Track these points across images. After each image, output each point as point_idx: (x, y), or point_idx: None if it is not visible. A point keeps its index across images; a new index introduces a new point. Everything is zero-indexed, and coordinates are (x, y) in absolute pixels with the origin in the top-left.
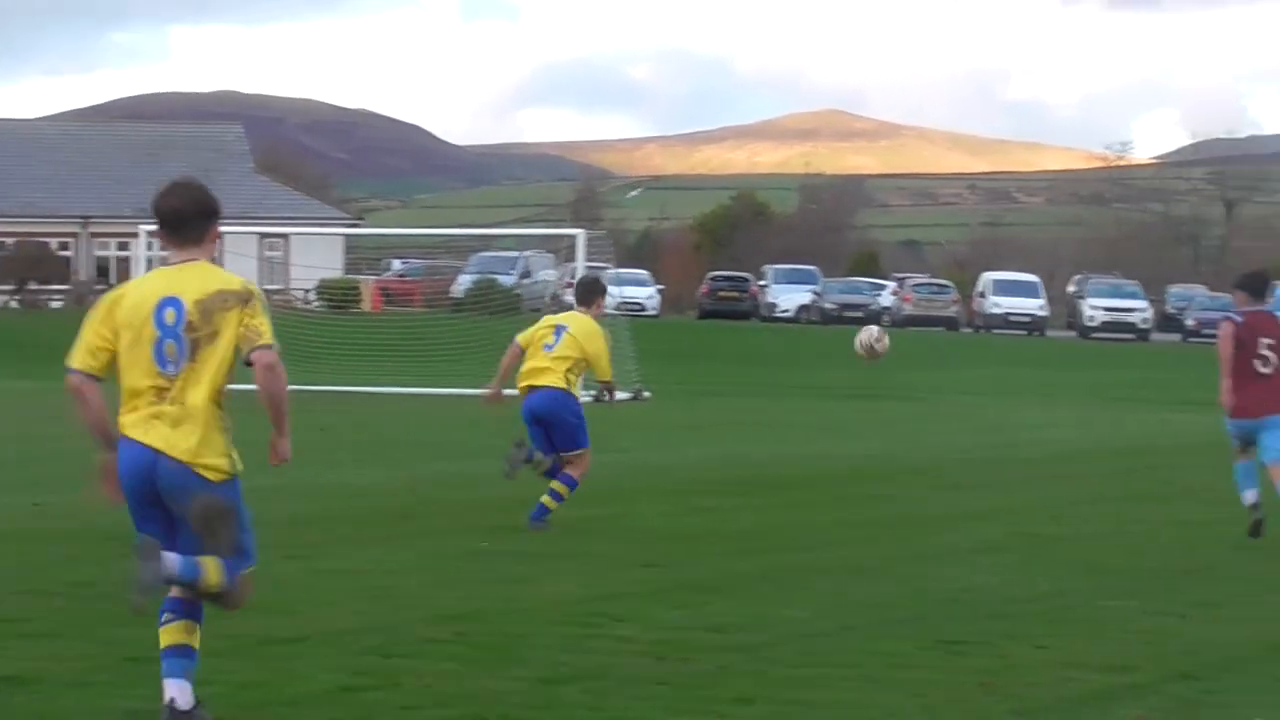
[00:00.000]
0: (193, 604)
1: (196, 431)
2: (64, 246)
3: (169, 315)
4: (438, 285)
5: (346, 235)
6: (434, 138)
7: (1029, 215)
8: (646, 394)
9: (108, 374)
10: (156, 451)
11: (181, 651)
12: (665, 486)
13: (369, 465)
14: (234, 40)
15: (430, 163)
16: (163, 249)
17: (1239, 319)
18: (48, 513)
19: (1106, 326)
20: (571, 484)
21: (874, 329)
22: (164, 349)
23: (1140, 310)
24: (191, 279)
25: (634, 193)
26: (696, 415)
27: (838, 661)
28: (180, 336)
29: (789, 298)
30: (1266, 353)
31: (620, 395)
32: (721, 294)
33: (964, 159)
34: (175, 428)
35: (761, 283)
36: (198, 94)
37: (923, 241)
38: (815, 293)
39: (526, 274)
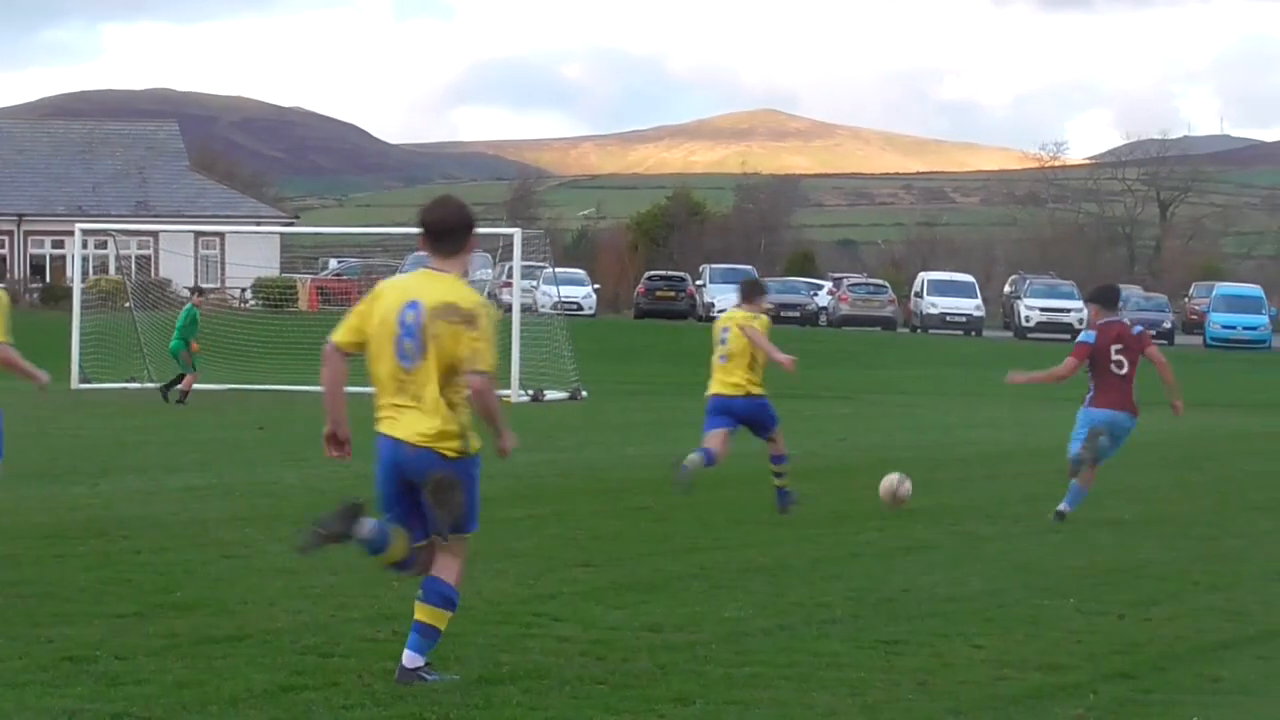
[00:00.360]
0: (445, 593)
1: (429, 419)
2: None
3: (409, 316)
4: (375, 284)
5: (282, 234)
6: (369, 136)
7: (964, 215)
8: (583, 393)
9: (358, 352)
10: (398, 441)
11: (424, 630)
12: (602, 486)
13: (307, 464)
14: (167, 38)
15: (365, 161)
16: (419, 250)
17: (1091, 340)
18: None
19: (1042, 326)
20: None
21: (894, 476)
22: (403, 346)
23: (1076, 310)
24: (435, 286)
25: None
26: (633, 415)
27: (775, 661)
28: (416, 336)
29: (726, 297)
30: (1119, 357)
31: (556, 394)
32: (658, 294)
33: (899, 159)
34: (413, 417)
35: (699, 282)
36: (131, 91)
37: (859, 241)
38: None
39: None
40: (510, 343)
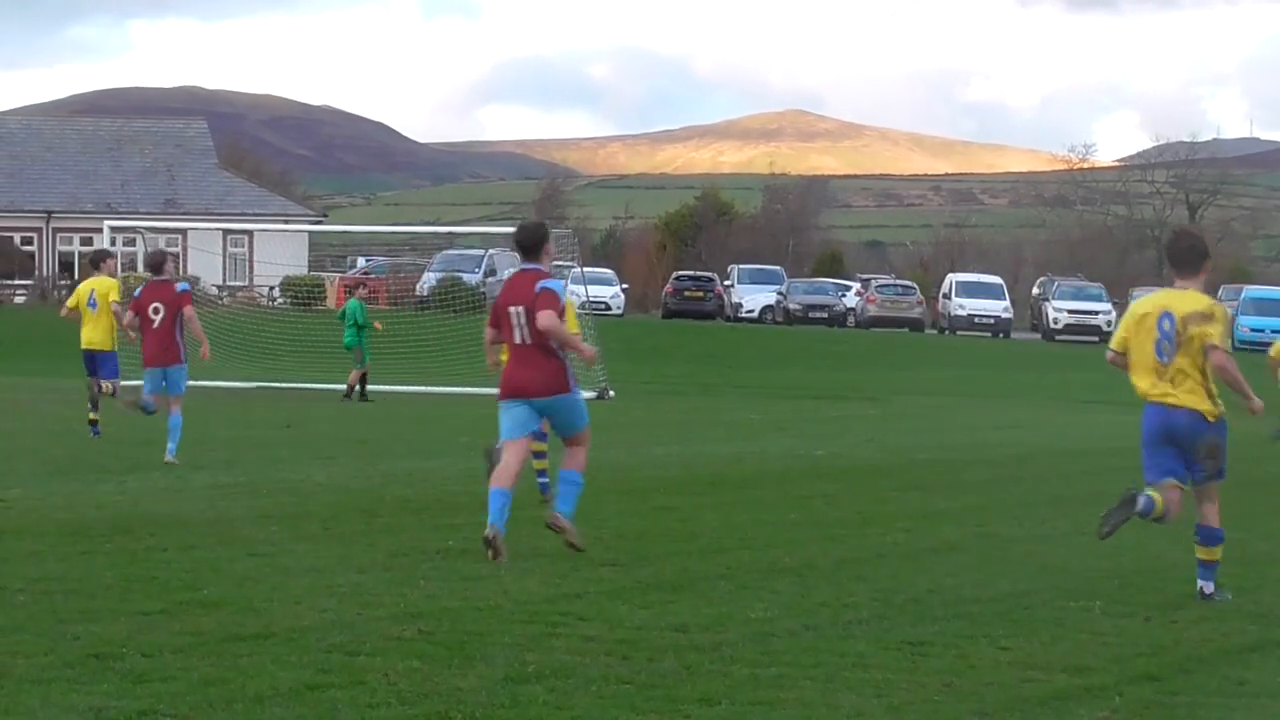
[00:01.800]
0: (1216, 533)
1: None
2: (27, 241)
3: (1165, 324)
4: (403, 283)
5: (310, 232)
6: (397, 135)
7: (992, 217)
8: (611, 393)
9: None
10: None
11: (1209, 566)
12: (628, 486)
13: (334, 462)
14: (195, 35)
15: (393, 160)
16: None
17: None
18: (13, 507)
19: (1070, 329)
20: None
21: None
22: (1160, 347)
23: (1104, 312)
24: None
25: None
26: (660, 415)
27: (801, 662)
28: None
29: (754, 298)
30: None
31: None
32: (687, 294)
33: (927, 160)
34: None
35: (727, 282)
36: (159, 89)
37: (887, 242)
38: (780, 293)
39: (491, 272)
40: None
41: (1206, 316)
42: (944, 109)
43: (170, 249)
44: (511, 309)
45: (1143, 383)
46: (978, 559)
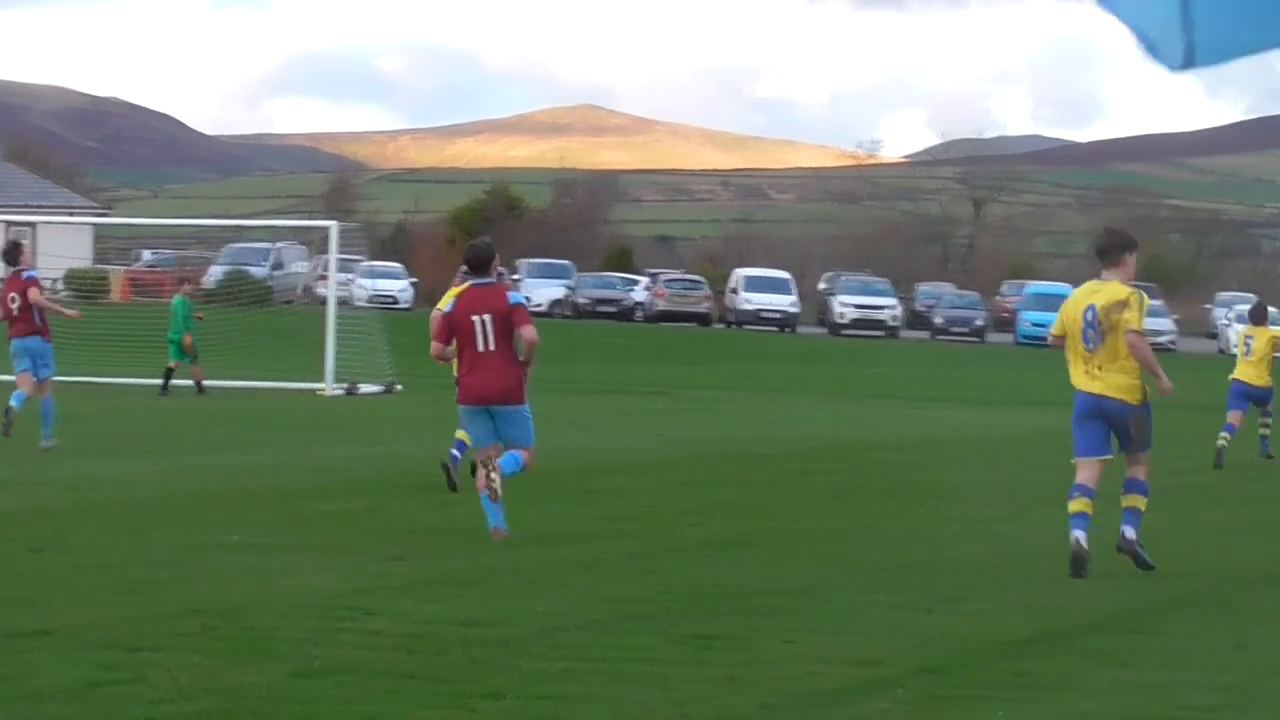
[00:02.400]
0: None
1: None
2: None
3: (1089, 315)
4: (188, 276)
5: (95, 224)
6: (185, 127)
7: (781, 212)
8: (398, 387)
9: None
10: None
11: (1134, 514)
12: (415, 480)
13: (119, 457)
14: None
15: (181, 152)
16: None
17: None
18: None
19: (857, 324)
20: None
21: None
22: (1086, 335)
23: (890, 308)
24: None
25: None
26: (449, 409)
27: (588, 656)
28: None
29: (543, 292)
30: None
31: (371, 388)
32: None
33: (717, 155)
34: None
35: (515, 277)
36: None
37: (676, 237)
38: (569, 287)
39: (279, 266)
40: (325, 336)
41: (1124, 304)
42: (734, 104)
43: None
44: (475, 317)
45: (1075, 370)
46: (765, 553)
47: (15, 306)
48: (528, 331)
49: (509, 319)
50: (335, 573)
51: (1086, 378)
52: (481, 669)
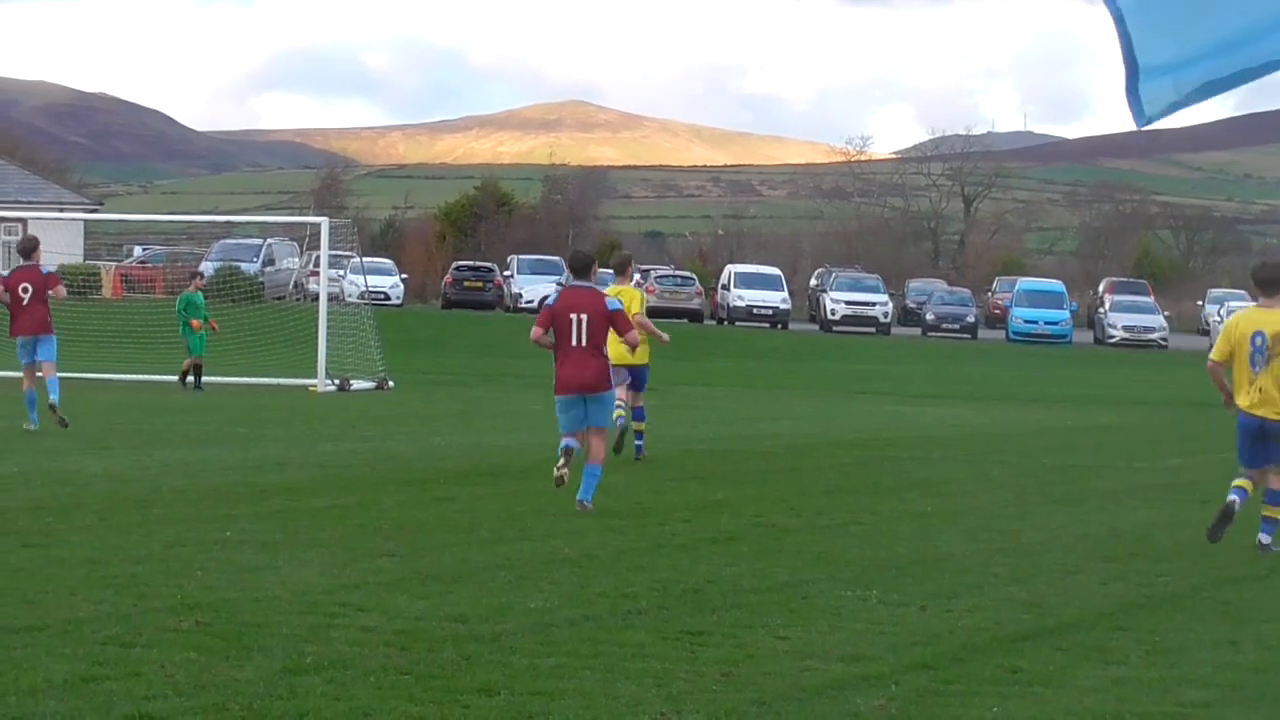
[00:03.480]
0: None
1: None
2: None
3: (1257, 340)
4: (180, 272)
5: (86, 220)
6: (175, 123)
7: (771, 208)
8: (390, 383)
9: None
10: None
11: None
12: (408, 476)
13: (111, 453)
14: None
15: (171, 148)
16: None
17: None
18: None
19: (848, 320)
20: None
21: None
22: (1253, 359)
23: (881, 304)
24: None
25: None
26: (440, 405)
27: (580, 652)
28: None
29: (534, 288)
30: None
31: (363, 384)
32: (466, 284)
33: (706, 151)
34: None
35: (506, 273)
36: None
37: (666, 233)
38: (559, 283)
39: (270, 262)
40: (317, 332)
41: None
42: (721, 100)
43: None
44: (574, 315)
45: (1239, 392)
46: (756, 549)
47: (26, 298)
48: (632, 337)
49: (608, 320)
50: (327, 569)
51: (1249, 399)
52: (474, 665)
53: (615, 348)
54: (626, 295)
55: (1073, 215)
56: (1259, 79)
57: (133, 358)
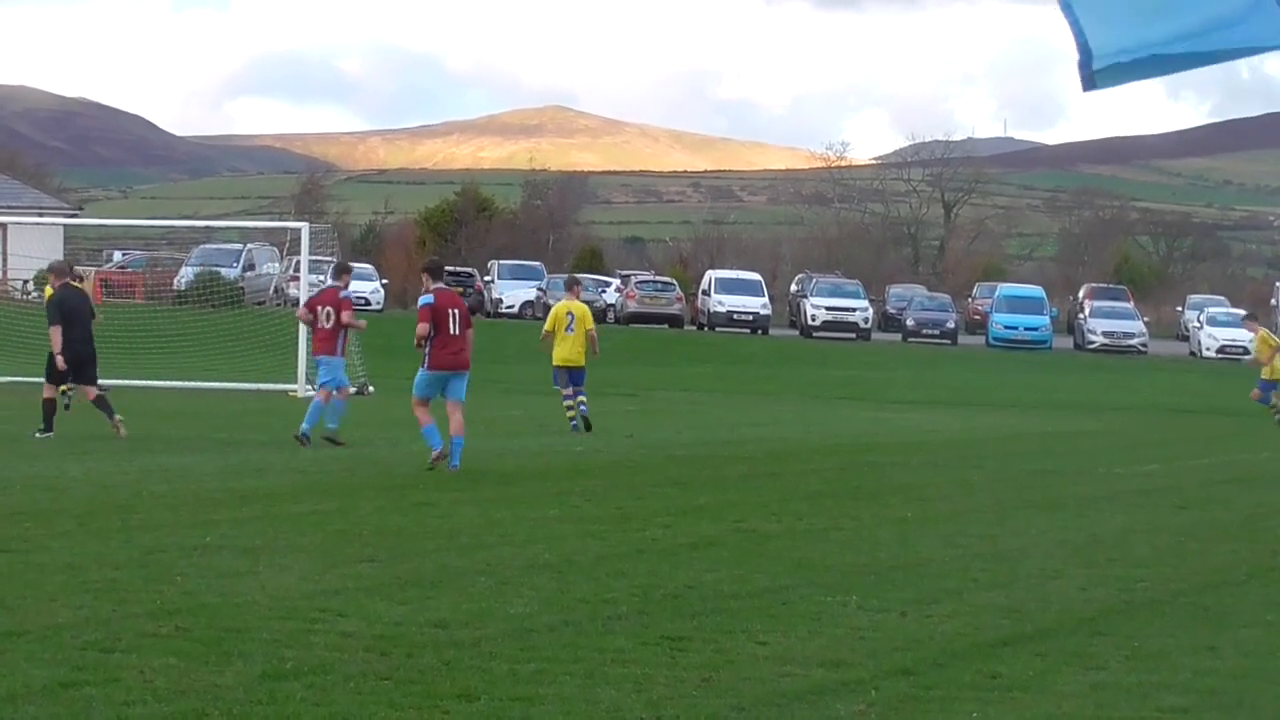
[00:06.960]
0: None
1: None
2: None
3: None
4: (160, 277)
5: (66, 225)
6: (154, 128)
7: (752, 214)
8: (371, 389)
9: None
10: None
11: None
12: (388, 482)
13: (88, 458)
14: None
15: (150, 153)
16: None
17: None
18: None
19: (828, 325)
20: None
21: None
22: None
23: (861, 310)
24: None
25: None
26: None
27: (561, 657)
28: None
29: (514, 294)
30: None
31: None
32: None
33: (686, 156)
34: None
35: (487, 278)
36: None
37: (647, 239)
38: (540, 289)
39: (250, 267)
40: (297, 337)
41: None
42: (698, 106)
43: None
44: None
45: None
46: (736, 554)
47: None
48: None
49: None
50: (307, 574)
51: None
52: (454, 670)
53: (560, 350)
54: (578, 309)
55: (1053, 221)
56: (1210, 65)
57: (112, 363)
